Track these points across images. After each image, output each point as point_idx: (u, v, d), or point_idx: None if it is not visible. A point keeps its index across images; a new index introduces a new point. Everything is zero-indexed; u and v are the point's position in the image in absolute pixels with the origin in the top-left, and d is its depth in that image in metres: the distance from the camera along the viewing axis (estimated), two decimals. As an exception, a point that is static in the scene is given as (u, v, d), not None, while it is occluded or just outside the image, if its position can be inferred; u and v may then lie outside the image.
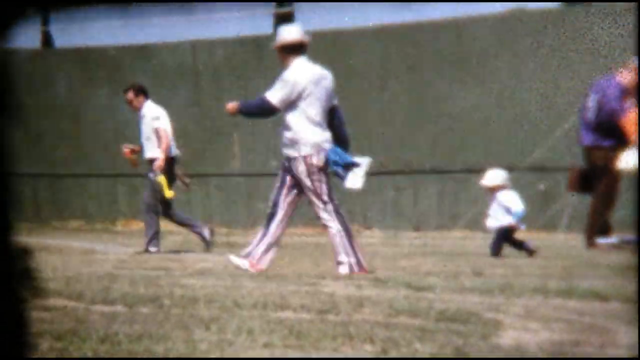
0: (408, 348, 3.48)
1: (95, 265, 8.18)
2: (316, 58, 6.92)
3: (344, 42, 15.40)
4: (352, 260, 6.67)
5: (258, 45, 15.45)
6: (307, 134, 6.67)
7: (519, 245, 8.64)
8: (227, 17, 16.69)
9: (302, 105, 6.66)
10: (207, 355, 3.50)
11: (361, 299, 5.07)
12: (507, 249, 8.55)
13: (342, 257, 6.68)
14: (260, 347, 3.62)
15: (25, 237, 10.02)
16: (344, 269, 6.67)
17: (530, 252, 8.53)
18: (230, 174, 16.70)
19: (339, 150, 6.71)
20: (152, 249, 9.81)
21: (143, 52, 17.06)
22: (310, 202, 6.78)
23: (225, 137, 16.37)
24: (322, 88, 6.74)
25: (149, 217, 9.83)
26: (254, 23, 16.45)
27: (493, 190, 8.72)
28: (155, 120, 9.78)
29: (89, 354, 3.54)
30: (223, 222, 15.95)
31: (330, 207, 6.71)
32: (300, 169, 6.68)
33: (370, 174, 6.74)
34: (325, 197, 6.71)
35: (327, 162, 6.65)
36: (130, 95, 9.98)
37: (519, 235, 8.80)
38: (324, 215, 6.72)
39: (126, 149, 10.04)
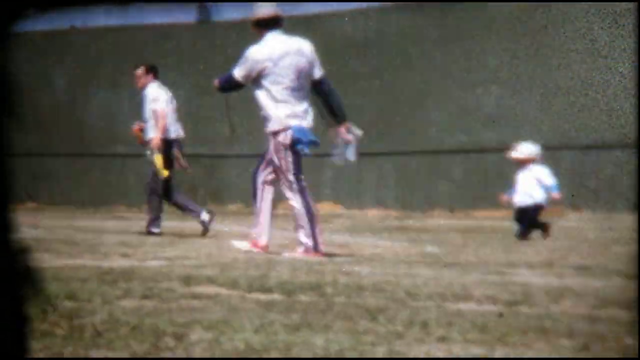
0: (615, 343, 3.26)
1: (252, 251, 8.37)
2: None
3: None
4: (310, 243, 7.45)
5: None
6: (272, 111, 7.38)
7: (539, 224, 9.11)
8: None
9: (265, 82, 7.37)
10: (373, 347, 3.44)
11: (561, 289, 4.88)
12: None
13: (302, 238, 7.49)
14: (435, 340, 3.52)
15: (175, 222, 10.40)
16: (300, 249, 7.51)
17: (545, 232, 9.05)
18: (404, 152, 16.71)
19: (304, 128, 7.37)
20: (155, 229, 10.72)
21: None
22: (278, 179, 7.52)
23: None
24: (288, 64, 7.36)
25: (152, 199, 10.81)
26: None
27: (524, 163, 9.20)
28: (153, 102, 10.62)
29: (241, 346, 3.58)
30: (397, 205, 15.99)
31: (295, 186, 7.43)
32: (269, 145, 7.48)
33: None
34: (291, 176, 7.41)
35: (293, 140, 7.34)
36: (140, 72, 10.84)
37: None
38: (288, 193, 7.48)
39: (137, 126, 11.12)
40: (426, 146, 16.57)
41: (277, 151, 7.47)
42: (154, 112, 10.59)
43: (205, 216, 10.79)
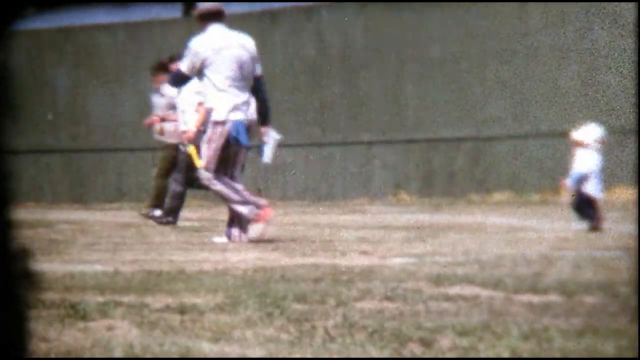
0: None
1: (523, 245, 8.28)
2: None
3: None
4: (236, 232, 9.06)
5: None
6: (213, 101, 8.92)
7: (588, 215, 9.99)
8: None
9: (207, 72, 8.83)
10: None
11: None
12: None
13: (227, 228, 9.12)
14: None
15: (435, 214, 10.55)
16: (224, 237, 9.12)
17: (595, 226, 9.87)
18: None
19: (240, 125, 8.87)
20: (170, 219, 12.14)
21: None
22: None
23: None
24: (230, 55, 8.85)
25: (174, 188, 12.31)
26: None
27: (579, 145, 10.21)
28: (196, 95, 11.26)
29: (504, 353, 3.53)
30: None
31: (211, 178, 8.97)
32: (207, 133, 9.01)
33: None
34: (211, 167, 8.93)
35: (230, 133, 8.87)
36: (173, 66, 11.65)
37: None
38: (204, 181, 9.08)
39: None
40: None
41: (210, 141, 8.93)
42: (199, 104, 11.26)
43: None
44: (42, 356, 3.74)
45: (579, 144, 10.22)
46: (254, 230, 9.00)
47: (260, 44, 20.00)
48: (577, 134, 10.28)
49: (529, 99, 17.96)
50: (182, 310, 4.61)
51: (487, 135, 18.53)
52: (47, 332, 4.12)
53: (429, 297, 5.00)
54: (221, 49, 8.82)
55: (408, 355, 3.58)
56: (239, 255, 7.69)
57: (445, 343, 3.73)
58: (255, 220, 8.95)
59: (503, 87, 18.19)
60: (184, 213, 12.67)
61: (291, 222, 12.53)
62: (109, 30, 21.27)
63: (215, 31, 8.95)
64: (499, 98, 18.26)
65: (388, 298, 4.96)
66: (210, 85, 8.88)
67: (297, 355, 3.56)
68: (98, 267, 6.85)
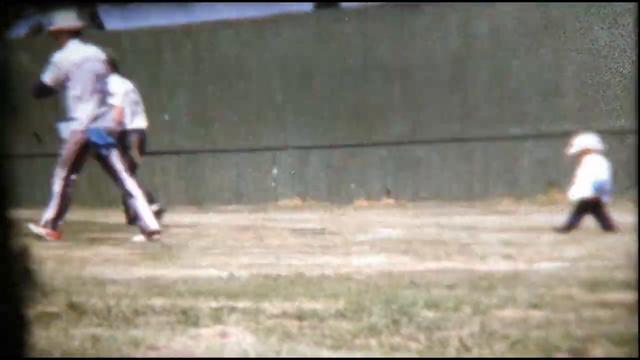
0: None
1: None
2: None
3: None
4: (49, 225, 10.66)
5: None
6: (72, 111, 10.62)
7: (603, 219, 10.69)
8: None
9: (69, 84, 10.55)
10: None
11: None
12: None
13: (43, 220, 10.69)
14: None
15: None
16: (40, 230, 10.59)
17: (609, 228, 10.52)
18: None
19: (101, 131, 10.59)
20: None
21: None
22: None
23: None
24: (88, 69, 10.62)
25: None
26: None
27: (580, 155, 10.97)
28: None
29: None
30: None
31: (59, 181, 10.73)
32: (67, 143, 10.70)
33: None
34: (62, 172, 10.72)
35: (88, 140, 10.61)
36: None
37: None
38: (56, 184, 10.75)
39: None
40: None
41: (68, 148, 10.59)
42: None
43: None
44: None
45: (585, 152, 10.95)
46: (38, 229, 10.58)
47: (399, 36, 20.41)
48: (582, 142, 11.02)
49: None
50: (300, 316, 4.61)
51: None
52: (156, 339, 4.17)
53: (582, 304, 4.89)
54: (81, 64, 10.60)
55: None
56: (363, 259, 7.68)
57: (597, 353, 3.64)
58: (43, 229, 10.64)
59: None
60: (303, 215, 12.72)
61: (422, 224, 12.47)
62: (231, 27, 21.69)
63: (75, 46, 10.68)
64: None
65: (534, 306, 4.87)
66: (70, 96, 10.57)
67: (428, 366, 3.51)
68: (212, 272, 6.93)
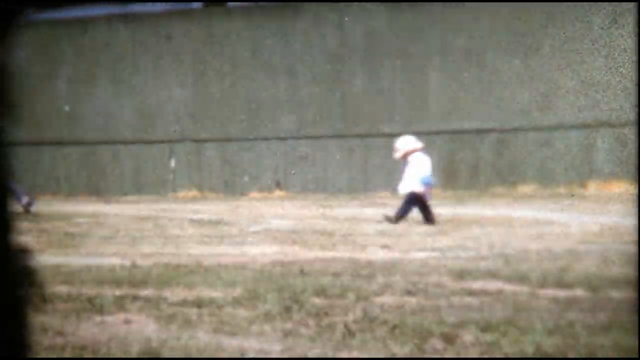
0: None
1: (548, 240, 8.25)
2: None
3: None
4: None
5: None
6: None
7: (425, 212, 11.00)
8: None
9: None
10: None
11: None
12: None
13: None
14: None
15: (452, 206, 10.51)
16: None
17: (429, 220, 10.87)
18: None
19: None
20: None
21: None
22: None
23: None
24: None
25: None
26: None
27: (405, 156, 11.26)
28: None
29: (529, 349, 3.52)
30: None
31: None
32: None
33: None
34: None
35: None
36: None
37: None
38: None
39: None
40: None
41: None
42: None
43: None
44: (54, 354, 3.75)
45: (409, 152, 11.24)
46: None
47: (284, 34, 20.45)
48: (406, 143, 11.37)
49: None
50: (199, 304, 4.63)
51: (512, 127, 18.50)
52: (62, 326, 4.14)
53: (451, 291, 5.00)
54: None
55: (430, 351, 3.58)
56: (258, 249, 7.71)
57: (468, 338, 3.73)
58: None
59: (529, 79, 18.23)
60: (200, 205, 12.67)
61: (310, 215, 12.53)
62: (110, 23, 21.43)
63: None
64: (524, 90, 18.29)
65: (409, 292, 4.96)
66: None
67: (317, 350, 3.56)
68: (115, 260, 6.88)
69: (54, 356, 3.68)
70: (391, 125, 19.60)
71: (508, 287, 5.16)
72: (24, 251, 2.16)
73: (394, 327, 3.97)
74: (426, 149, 11.52)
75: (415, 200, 11.00)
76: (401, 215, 10.96)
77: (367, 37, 19.79)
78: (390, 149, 19.72)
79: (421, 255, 7.08)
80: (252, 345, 3.65)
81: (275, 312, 4.33)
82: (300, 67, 20.18)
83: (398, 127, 19.49)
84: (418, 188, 10.98)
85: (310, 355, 3.53)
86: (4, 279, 2.10)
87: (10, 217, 2.12)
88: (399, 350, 3.54)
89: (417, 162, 11.15)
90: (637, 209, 8.42)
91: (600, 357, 3.36)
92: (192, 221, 11.59)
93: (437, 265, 6.20)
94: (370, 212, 13.18)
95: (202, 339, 3.77)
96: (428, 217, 10.92)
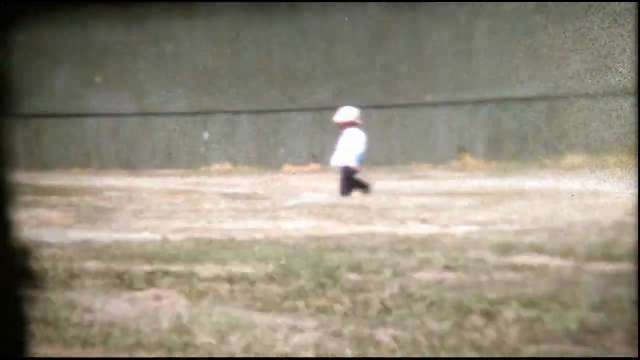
0: None
1: (596, 212, 8.21)
2: None
3: None
4: None
5: None
6: None
7: (356, 184, 11.37)
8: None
9: None
10: None
11: None
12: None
13: None
14: None
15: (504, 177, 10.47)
16: None
17: (365, 189, 11.32)
18: None
19: None
20: None
21: None
22: None
23: None
24: None
25: None
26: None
27: (343, 126, 11.76)
28: None
29: (572, 325, 3.52)
30: None
31: None
32: None
33: None
34: None
35: None
36: None
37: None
38: None
39: None
40: None
41: None
42: None
43: None
44: (82, 330, 3.79)
45: (348, 124, 11.66)
46: None
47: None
48: (344, 116, 11.79)
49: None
50: (232, 280, 4.66)
51: (562, 94, 18.38)
52: (92, 302, 4.19)
53: (493, 267, 5.00)
54: None
55: (469, 328, 3.58)
56: (292, 224, 7.73)
57: (509, 315, 3.73)
58: None
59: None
60: (233, 179, 12.70)
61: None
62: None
63: None
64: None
65: (449, 268, 4.96)
66: None
67: (351, 327, 3.58)
68: (146, 235, 6.93)
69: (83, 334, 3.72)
70: (434, 94, 19.54)
71: (553, 262, 5.15)
72: (24, 250, 2.20)
73: (432, 303, 3.98)
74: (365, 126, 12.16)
75: (351, 174, 11.39)
76: (347, 192, 11.26)
77: (409, 2, 19.68)
78: (433, 120, 19.77)
79: (462, 229, 7.08)
80: (285, 322, 3.68)
81: (309, 289, 4.36)
82: (339, 33, 20.11)
83: (441, 96, 19.47)
84: (353, 163, 11.39)
85: (345, 332, 3.54)
86: (4, 279, 2.14)
87: (10, 216, 2.16)
88: (437, 327, 3.55)
89: (354, 138, 11.56)
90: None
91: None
92: (224, 195, 11.65)
93: (479, 239, 6.19)
94: (409, 185, 13.18)
95: (233, 315, 3.80)
96: (363, 186, 11.35)
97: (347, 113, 11.85)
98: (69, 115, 21.30)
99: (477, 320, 3.68)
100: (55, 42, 21.20)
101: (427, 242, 6.09)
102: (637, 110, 11.35)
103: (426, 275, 4.75)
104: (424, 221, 7.77)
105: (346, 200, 10.52)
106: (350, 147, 11.45)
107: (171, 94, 21.06)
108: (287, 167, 19.78)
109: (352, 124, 11.66)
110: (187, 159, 20.58)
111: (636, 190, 9.23)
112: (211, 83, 20.78)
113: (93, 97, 21.48)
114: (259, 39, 20.46)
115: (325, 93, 20.28)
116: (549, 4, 18.38)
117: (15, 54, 22.07)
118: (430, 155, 19.35)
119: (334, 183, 12.01)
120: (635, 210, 9.83)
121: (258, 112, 20.43)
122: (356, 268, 4.90)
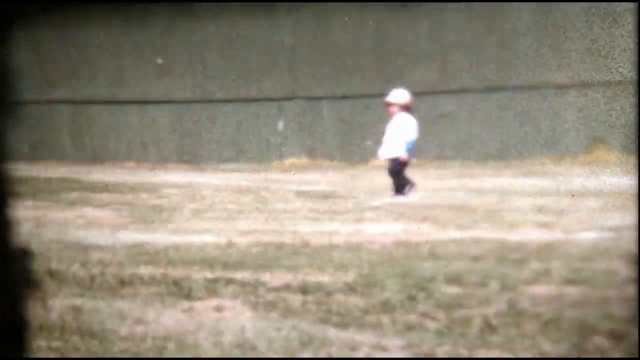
0: None
1: None
2: None
3: None
4: None
5: None
6: None
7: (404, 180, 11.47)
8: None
9: None
10: None
11: None
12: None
13: None
14: None
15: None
16: None
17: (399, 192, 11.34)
18: None
19: None
20: None
21: None
22: None
23: None
24: None
25: None
26: None
27: (394, 108, 11.74)
28: None
29: None
30: None
31: None
32: None
33: None
34: None
35: None
36: None
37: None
38: None
39: None
40: None
41: None
42: None
43: None
44: (132, 344, 3.83)
45: (401, 107, 11.66)
46: None
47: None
48: (396, 97, 11.79)
49: None
50: (305, 289, 4.66)
51: None
52: (144, 312, 4.22)
53: (625, 280, 4.94)
54: None
55: (591, 351, 3.54)
56: (377, 227, 7.73)
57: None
58: None
59: None
60: (311, 175, 12.70)
61: (446, 187, 12.52)
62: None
63: None
64: None
65: (570, 281, 4.91)
66: None
67: (447, 347, 3.55)
68: (207, 238, 6.98)
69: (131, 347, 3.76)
70: (562, 74, 19.42)
71: None
72: (24, 252, 2.29)
73: (548, 321, 3.94)
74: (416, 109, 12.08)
75: (401, 167, 11.40)
76: (401, 189, 11.29)
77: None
78: (559, 105, 19.66)
79: (589, 235, 7.02)
80: (366, 339, 3.67)
81: (395, 301, 4.34)
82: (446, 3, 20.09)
83: (570, 76, 19.35)
84: (402, 154, 11.37)
85: (439, 354, 3.52)
86: (4, 279, 2.23)
87: (10, 217, 2.26)
88: (551, 349, 3.52)
89: (405, 124, 11.55)
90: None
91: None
92: (299, 193, 11.69)
93: (610, 248, 6.13)
94: (526, 182, 13.11)
95: (306, 330, 3.80)
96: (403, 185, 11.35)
97: (400, 95, 11.93)
98: (124, 102, 21.60)
99: (600, 341, 3.63)
100: (112, 22, 21.55)
101: (544, 251, 6.04)
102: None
103: (542, 290, 4.71)
104: (542, 225, 7.72)
105: (444, 200, 10.47)
106: (399, 135, 11.49)
107: (240, 77, 21.20)
108: (373, 162, 19.79)
109: (404, 107, 11.71)
110: (258, 151, 20.71)
111: None
112: (288, 63, 20.87)
113: (152, 82, 21.73)
114: (348, 9, 20.49)
115: (426, 74, 20.25)
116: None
117: (64, 35, 22.66)
118: (554, 148, 19.22)
119: (431, 180, 11.98)
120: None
121: (342, 98, 20.47)
122: (454, 279, 4.88)
